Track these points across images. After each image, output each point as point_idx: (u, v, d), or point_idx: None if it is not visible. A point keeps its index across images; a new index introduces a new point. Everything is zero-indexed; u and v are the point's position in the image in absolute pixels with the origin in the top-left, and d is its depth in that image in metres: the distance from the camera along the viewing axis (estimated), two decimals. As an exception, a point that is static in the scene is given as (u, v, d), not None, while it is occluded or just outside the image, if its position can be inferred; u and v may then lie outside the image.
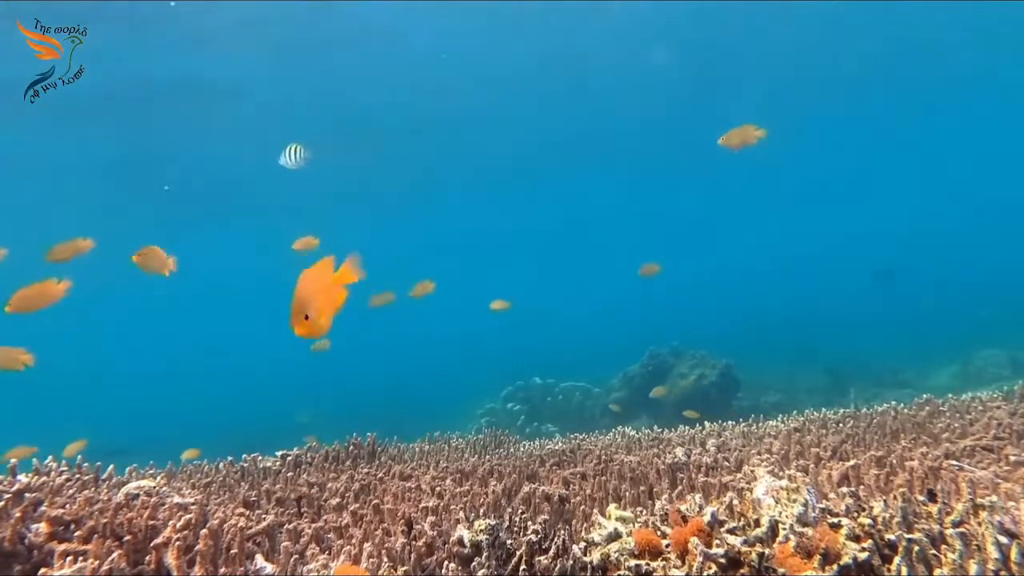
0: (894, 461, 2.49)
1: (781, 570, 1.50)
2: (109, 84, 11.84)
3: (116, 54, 11.08)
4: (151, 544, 1.80)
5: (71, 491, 2.33)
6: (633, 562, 1.64)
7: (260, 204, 19.61)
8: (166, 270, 3.53)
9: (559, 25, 13.89)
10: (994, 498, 1.72)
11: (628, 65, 15.68)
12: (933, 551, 1.55)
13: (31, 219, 14.80)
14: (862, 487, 2.26)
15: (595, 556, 1.71)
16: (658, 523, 1.86)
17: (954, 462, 2.55)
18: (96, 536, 1.85)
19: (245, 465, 3.34)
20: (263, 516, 2.27)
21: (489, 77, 15.49)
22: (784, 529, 1.60)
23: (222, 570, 1.76)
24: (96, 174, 16.32)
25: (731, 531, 1.62)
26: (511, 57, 14.74)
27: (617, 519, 1.85)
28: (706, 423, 4.10)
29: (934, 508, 1.73)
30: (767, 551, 1.53)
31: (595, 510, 2.16)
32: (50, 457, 2.63)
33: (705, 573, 1.52)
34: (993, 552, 1.51)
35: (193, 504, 2.25)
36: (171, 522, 1.93)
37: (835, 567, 1.49)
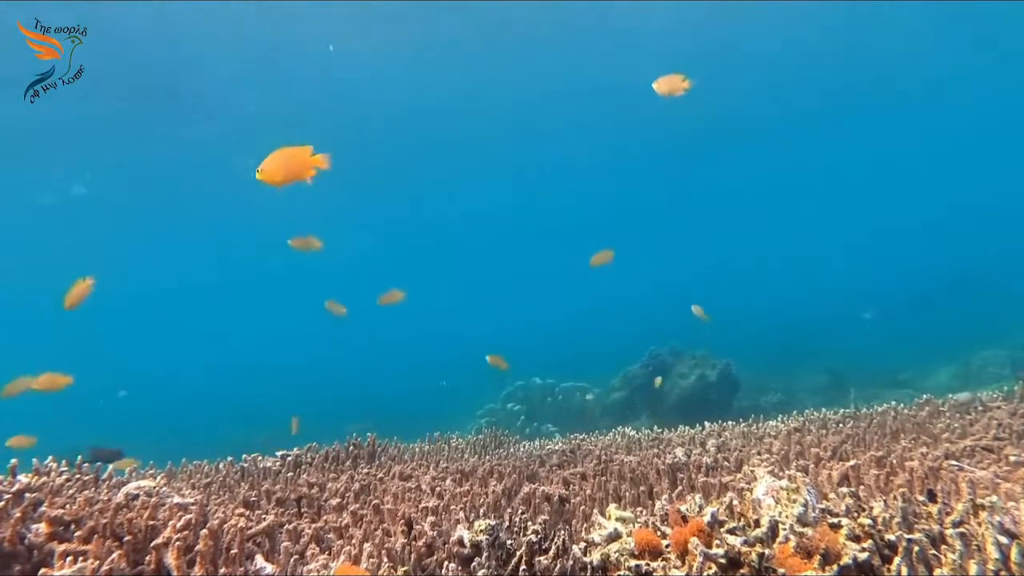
0: (894, 461, 2.49)
1: (781, 570, 1.50)
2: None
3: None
4: (151, 544, 1.80)
5: (71, 491, 2.33)
6: (633, 562, 1.64)
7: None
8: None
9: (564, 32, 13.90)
10: (994, 498, 1.72)
11: (634, 70, 15.70)
12: (933, 551, 1.55)
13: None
14: (862, 487, 2.25)
15: (595, 556, 1.71)
16: (658, 523, 1.86)
17: (954, 462, 2.55)
18: (96, 536, 1.85)
19: (245, 465, 3.34)
20: (263, 516, 2.27)
21: (500, 69, 15.48)
22: (784, 529, 1.60)
23: (222, 570, 1.76)
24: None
25: (731, 531, 1.62)
26: (515, 49, 14.71)
27: (617, 519, 1.85)
28: (706, 423, 4.10)
29: (934, 508, 1.73)
30: (767, 551, 1.53)
31: (595, 510, 2.16)
32: (50, 457, 2.63)
33: (705, 573, 1.52)
34: (993, 552, 1.51)
35: (193, 504, 2.25)
36: (171, 522, 1.93)
37: (835, 567, 1.49)
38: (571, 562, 1.72)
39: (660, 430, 4.27)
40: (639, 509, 2.17)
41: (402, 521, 2.11)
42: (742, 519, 1.71)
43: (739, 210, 30.08)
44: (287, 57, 13.64)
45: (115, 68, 11.42)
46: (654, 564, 1.62)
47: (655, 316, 20.63)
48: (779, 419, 4.17)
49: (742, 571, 1.53)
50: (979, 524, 1.62)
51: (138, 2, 10.76)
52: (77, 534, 1.93)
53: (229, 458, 3.36)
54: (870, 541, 1.57)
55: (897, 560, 1.51)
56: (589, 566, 1.71)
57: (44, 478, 2.42)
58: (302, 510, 2.57)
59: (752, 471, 2.41)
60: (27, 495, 2.06)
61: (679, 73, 4.13)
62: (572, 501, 2.47)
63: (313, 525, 2.20)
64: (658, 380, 8.75)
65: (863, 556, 1.50)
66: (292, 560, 1.85)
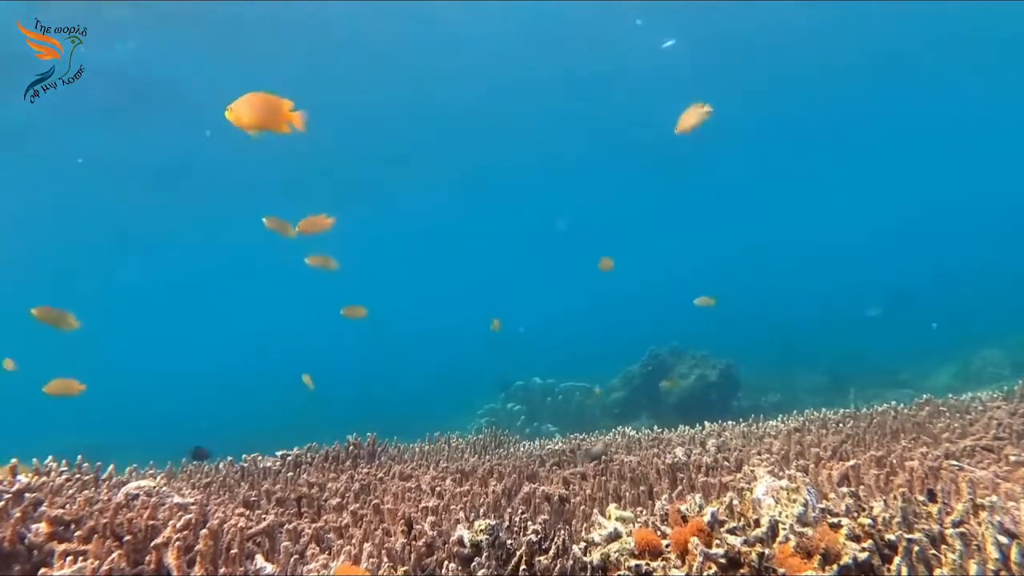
0: (894, 461, 2.49)
1: (781, 570, 1.50)
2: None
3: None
4: (151, 544, 1.80)
5: (71, 491, 2.33)
6: (633, 562, 1.64)
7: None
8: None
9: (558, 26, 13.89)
10: (994, 498, 1.72)
11: (629, 65, 15.69)
12: (933, 551, 1.55)
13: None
14: (862, 487, 2.26)
15: (595, 556, 1.71)
16: (658, 523, 1.86)
17: (954, 462, 2.55)
18: (96, 536, 1.85)
19: (245, 465, 3.34)
20: (263, 516, 2.27)
21: (489, 76, 15.49)
22: (784, 529, 1.60)
23: (222, 570, 1.76)
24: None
25: (731, 531, 1.62)
26: (509, 56, 14.73)
27: (617, 519, 1.85)
28: (706, 423, 4.10)
29: (934, 508, 1.73)
30: (767, 551, 1.53)
31: (595, 510, 2.16)
32: (50, 457, 2.63)
33: (705, 573, 1.52)
34: (993, 552, 1.51)
35: (193, 504, 2.25)
36: (171, 522, 1.93)
37: (835, 567, 1.49)
38: (571, 562, 1.72)
39: (660, 430, 4.28)
40: (639, 509, 2.17)
41: (402, 521, 2.11)
42: (742, 519, 1.71)
43: (739, 210, 30.08)
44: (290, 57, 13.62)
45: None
46: (654, 564, 1.62)
47: (655, 316, 20.66)
48: (779, 419, 4.17)
49: (742, 571, 1.53)
50: (979, 524, 1.62)
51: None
52: (77, 534, 1.93)
53: (229, 458, 3.36)
54: (870, 541, 1.57)
55: (897, 560, 1.51)
56: (589, 566, 1.71)
57: (44, 478, 2.43)
58: (302, 510, 2.57)
59: (752, 471, 2.41)
60: (27, 495, 2.06)
61: (695, 104, 4.05)
62: (572, 501, 2.47)
63: (313, 525, 2.20)
64: (666, 384, 8.72)
65: (863, 556, 1.50)
66: (292, 560, 1.85)
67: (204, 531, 1.75)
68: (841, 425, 3.59)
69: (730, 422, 4.17)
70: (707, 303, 7.06)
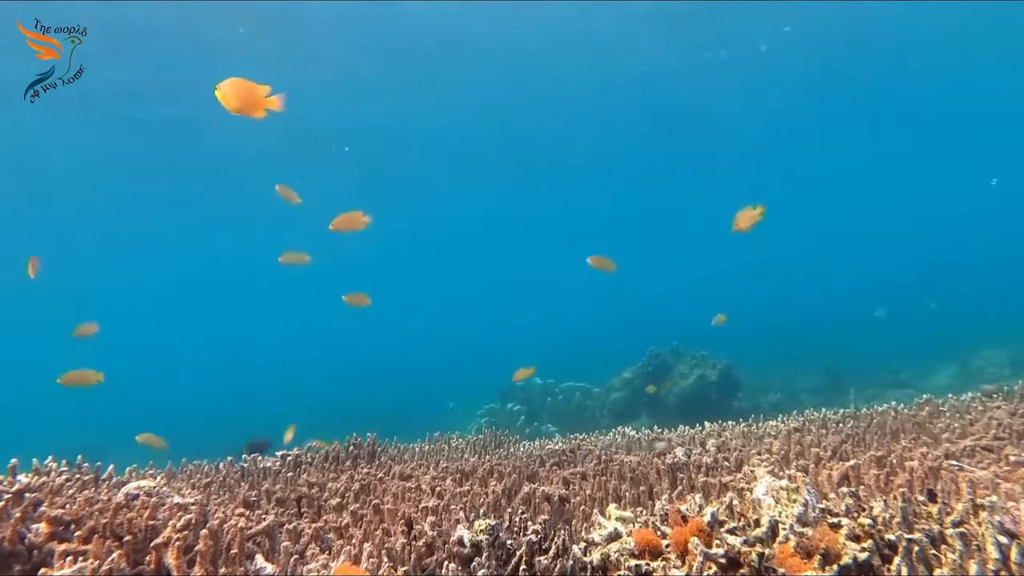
0: (894, 461, 2.49)
1: (781, 570, 1.50)
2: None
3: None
4: (151, 544, 1.80)
5: (71, 491, 2.33)
6: (633, 562, 1.64)
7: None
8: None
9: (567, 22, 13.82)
10: (994, 498, 1.72)
11: (632, 66, 15.67)
12: (933, 551, 1.55)
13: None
14: (862, 487, 2.26)
15: (595, 556, 1.71)
16: (658, 523, 1.86)
17: (954, 462, 2.55)
18: (96, 536, 1.85)
19: (245, 465, 3.34)
20: (263, 516, 2.27)
21: (495, 70, 15.46)
22: (784, 529, 1.60)
23: (222, 570, 1.76)
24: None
25: (731, 531, 1.62)
26: (515, 44, 14.65)
27: (617, 519, 1.85)
28: (706, 423, 4.10)
29: (934, 508, 1.73)
30: (767, 551, 1.53)
31: (595, 510, 2.16)
32: (50, 457, 2.63)
33: (705, 573, 1.52)
34: (993, 552, 1.51)
35: (193, 504, 2.25)
36: (171, 522, 1.93)
37: (835, 567, 1.49)
38: (571, 562, 1.72)
39: (660, 430, 4.28)
40: (639, 509, 2.17)
41: (402, 521, 2.11)
42: (742, 519, 1.71)
43: (738, 210, 30.03)
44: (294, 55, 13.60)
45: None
46: (654, 564, 1.62)
47: (655, 316, 20.67)
48: (779, 419, 4.17)
49: (742, 571, 1.53)
50: (979, 524, 1.62)
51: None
52: (77, 534, 1.93)
53: (229, 458, 3.36)
54: (870, 541, 1.57)
55: (897, 560, 1.51)
56: (589, 566, 1.71)
57: (44, 478, 2.43)
58: (302, 510, 2.57)
59: (752, 471, 2.41)
60: (27, 495, 2.06)
61: (747, 207, 4.25)
62: (572, 501, 2.47)
63: (313, 525, 2.20)
64: (652, 388, 8.70)
65: (863, 556, 1.50)
66: (292, 560, 1.85)
67: (204, 531, 1.75)
68: (841, 425, 3.59)
69: (730, 422, 4.17)
70: (721, 320, 7.15)
